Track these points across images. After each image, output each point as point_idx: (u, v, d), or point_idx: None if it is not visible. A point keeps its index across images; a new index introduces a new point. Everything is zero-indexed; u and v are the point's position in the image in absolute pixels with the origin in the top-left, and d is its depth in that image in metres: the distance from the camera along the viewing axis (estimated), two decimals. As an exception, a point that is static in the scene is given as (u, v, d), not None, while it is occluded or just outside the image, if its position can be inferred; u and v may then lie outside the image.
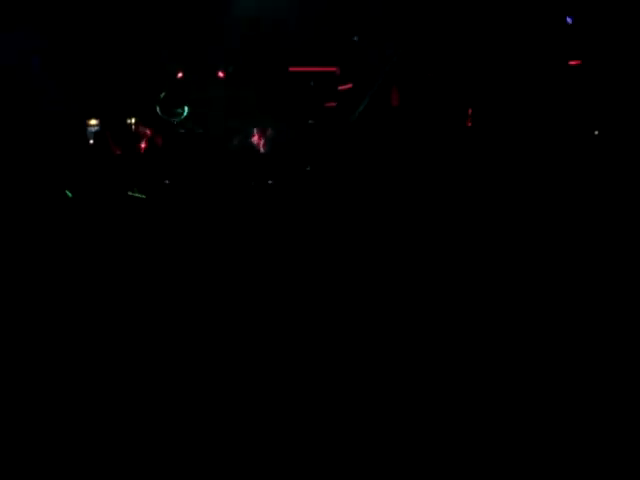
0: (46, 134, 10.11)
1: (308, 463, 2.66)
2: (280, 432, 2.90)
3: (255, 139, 10.50)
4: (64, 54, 10.52)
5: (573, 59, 9.88)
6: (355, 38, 10.91)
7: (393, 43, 10.38)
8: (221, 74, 11.27)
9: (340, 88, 11.11)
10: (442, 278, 5.17)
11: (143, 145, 10.56)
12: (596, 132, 9.44)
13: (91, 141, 10.46)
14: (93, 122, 10.61)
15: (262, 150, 10.31)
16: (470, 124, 10.55)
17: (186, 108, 10.90)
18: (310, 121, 10.99)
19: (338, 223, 7.58)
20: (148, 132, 10.87)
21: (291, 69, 11.02)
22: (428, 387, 3.29)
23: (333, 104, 11.16)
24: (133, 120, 10.91)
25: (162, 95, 10.97)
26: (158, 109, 10.75)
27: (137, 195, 9.09)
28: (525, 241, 6.13)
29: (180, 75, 11.13)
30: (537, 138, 9.58)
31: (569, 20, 9.98)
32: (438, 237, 6.57)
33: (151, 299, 5.10)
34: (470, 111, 10.52)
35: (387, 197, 9.19)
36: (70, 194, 9.14)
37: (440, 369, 3.50)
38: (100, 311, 4.87)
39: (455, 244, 6.24)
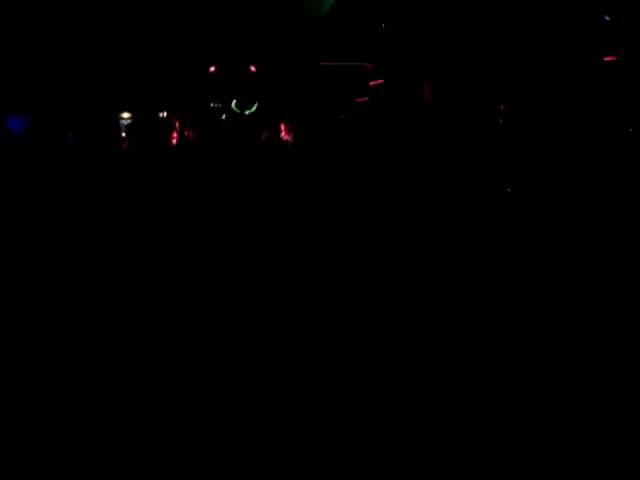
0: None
1: (308, 463, 2.65)
2: (280, 432, 2.89)
3: (283, 133, 10.51)
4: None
5: (608, 55, 9.71)
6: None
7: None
8: (253, 68, 11.34)
9: (372, 83, 11.08)
10: (477, 275, 5.13)
11: (175, 138, 10.63)
12: (631, 129, 9.27)
13: (123, 134, 10.54)
14: (125, 115, 10.72)
15: (290, 143, 10.32)
16: (502, 121, 10.43)
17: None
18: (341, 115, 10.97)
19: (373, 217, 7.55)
20: (180, 125, 10.93)
21: (322, 63, 11.02)
22: (428, 387, 3.26)
23: (365, 99, 11.13)
24: (165, 114, 10.99)
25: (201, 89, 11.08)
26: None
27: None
28: (558, 238, 6.04)
29: (212, 69, 11.22)
30: (570, 135, 9.43)
31: (607, 18, 9.82)
32: (470, 233, 6.51)
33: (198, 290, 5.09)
34: (502, 107, 10.40)
35: (417, 192, 9.14)
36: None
37: (441, 369, 3.47)
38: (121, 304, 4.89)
39: (489, 240, 6.18)
